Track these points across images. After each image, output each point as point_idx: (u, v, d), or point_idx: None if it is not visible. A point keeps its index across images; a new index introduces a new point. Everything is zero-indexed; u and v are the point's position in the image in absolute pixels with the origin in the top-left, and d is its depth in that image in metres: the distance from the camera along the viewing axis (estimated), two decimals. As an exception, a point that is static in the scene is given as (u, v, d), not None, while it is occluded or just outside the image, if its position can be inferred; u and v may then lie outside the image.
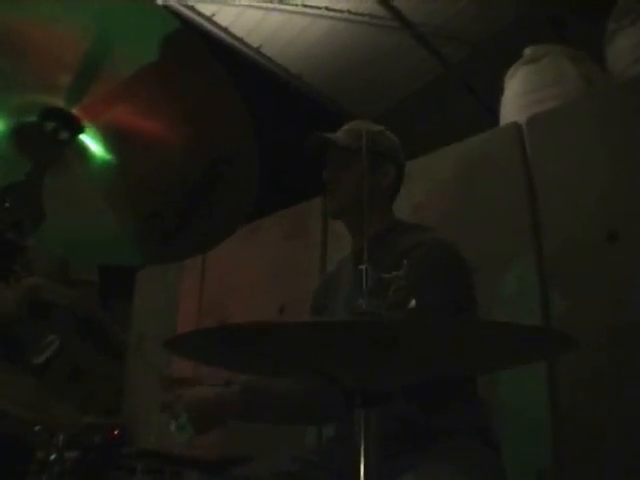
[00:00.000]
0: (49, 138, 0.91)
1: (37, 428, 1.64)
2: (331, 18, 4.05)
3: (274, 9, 3.97)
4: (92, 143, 0.96)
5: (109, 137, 0.95)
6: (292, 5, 3.95)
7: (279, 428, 2.15)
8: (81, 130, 0.94)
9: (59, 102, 0.91)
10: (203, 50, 0.85)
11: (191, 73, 0.89)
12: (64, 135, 0.92)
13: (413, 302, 1.28)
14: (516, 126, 2.39)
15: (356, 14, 4.04)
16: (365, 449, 0.82)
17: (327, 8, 3.98)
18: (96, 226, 1.09)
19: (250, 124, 0.94)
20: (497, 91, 2.86)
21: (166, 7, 3.79)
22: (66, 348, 2.66)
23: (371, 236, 1.62)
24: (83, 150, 0.97)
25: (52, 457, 1.58)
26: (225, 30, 4.14)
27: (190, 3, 3.94)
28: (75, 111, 0.91)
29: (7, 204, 0.85)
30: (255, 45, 4.29)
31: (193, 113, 0.94)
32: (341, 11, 4.01)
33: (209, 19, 4.05)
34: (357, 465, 0.83)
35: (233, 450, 2.53)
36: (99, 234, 1.11)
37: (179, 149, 0.98)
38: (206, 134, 0.97)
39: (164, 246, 1.09)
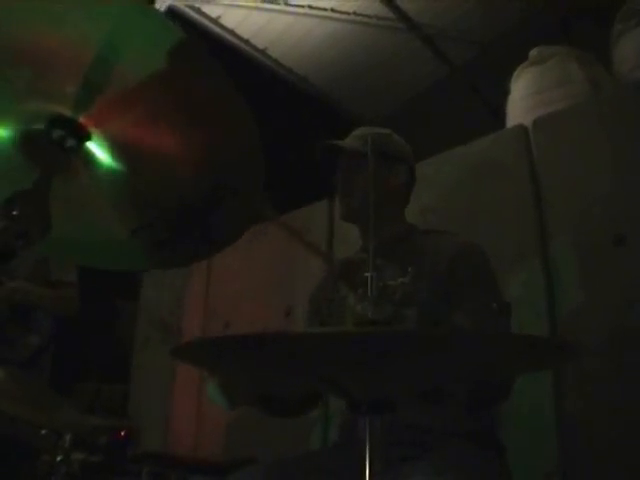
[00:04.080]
0: (56, 146, 0.92)
1: (44, 431, 1.64)
2: (337, 20, 4.05)
3: (280, 11, 3.97)
4: (99, 151, 0.97)
5: (116, 146, 0.96)
6: (298, 7, 3.95)
7: (283, 431, 2.16)
8: (88, 138, 0.94)
9: (66, 110, 0.91)
10: (214, 64, 0.85)
11: (202, 86, 0.89)
12: (71, 143, 0.92)
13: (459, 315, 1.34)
14: (522, 128, 2.38)
15: (362, 16, 4.04)
16: (370, 456, 0.82)
17: (333, 10, 3.98)
18: (98, 231, 1.10)
19: (260, 151, 0.94)
20: (503, 92, 2.85)
21: (172, 9, 3.81)
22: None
23: (387, 238, 1.65)
24: (90, 158, 0.97)
25: (58, 458, 1.58)
26: (231, 32, 4.15)
27: (197, 5, 3.95)
28: (82, 119, 0.92)
29: (15, 212, 0.85)
30: (261, 47, 4.30)
31: (203, 135, 0.95)
32: (347, 13, 4.01)
33: (215, 21, 4.06)
34: (361, 470, 0.83)
35: (237, 454, 2.54)
36: (101, 240, 1.12)
37: (184, 169, 0.98)
38: (214, 160, 0.97)
39: (152, 256, 1.10)
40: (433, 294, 1.49)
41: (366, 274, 0.88)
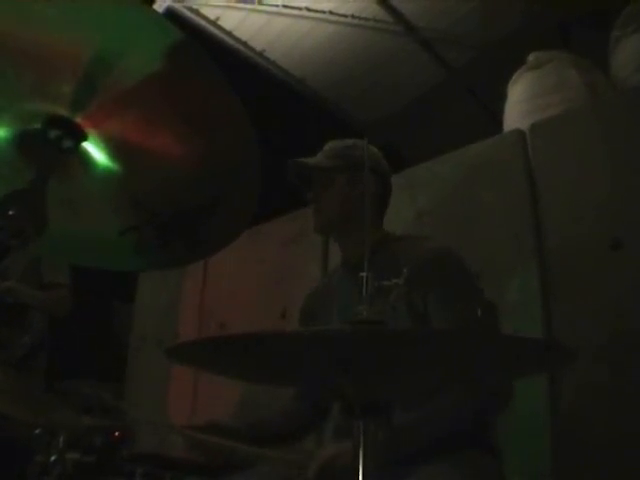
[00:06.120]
0: (53, 146, 0.92)
1: (37, 431, 1.64)
2: (335, 22, 4.05)
3: (278, 13, 3.98)
4: (95, 152, 0.97)
5: (112, 147, 0.96)
6: (296, 9, 3.95)
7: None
8: (85, 138, 0.94)
9: (63, 110, 0.91)
10: (212, 66, 0.85)
11: (200, 88, 0.89)
12: (67, 143, 0.93)
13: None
14: (519, 133, 2.39)
15: (360, 18, 4.04)
16: (364, 458, 0.82)
17: (331, 12, 3.99)
18: (93, 231, 1.10)
19: (257, 154, 0.94)
20: (501, 97, 2.86)
21: (171, 11, 3.81)
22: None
23: (360, 249, 1.64)
24: (86, 158, 0.97)
25: (52, 459, 1.58)
26: (229, 34, 4.15)
27: (195, 7, 3.95)
28: (79, 120, 0.92)
29: (11, 212, 0.85)
30: (259, 49, 4.30)
31: (200, 137, 0.95)
32: (345, 15, 4.01)
33: (214, 23, 4.06)
34: (355, 473, 0.83)
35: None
36: (97, 239, 1.12)
37: (180, 170, 0.98)
38: (211, 162, 0.97)
39: (146, 256, 1.10)
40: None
41: (361, 274, 0.88)
